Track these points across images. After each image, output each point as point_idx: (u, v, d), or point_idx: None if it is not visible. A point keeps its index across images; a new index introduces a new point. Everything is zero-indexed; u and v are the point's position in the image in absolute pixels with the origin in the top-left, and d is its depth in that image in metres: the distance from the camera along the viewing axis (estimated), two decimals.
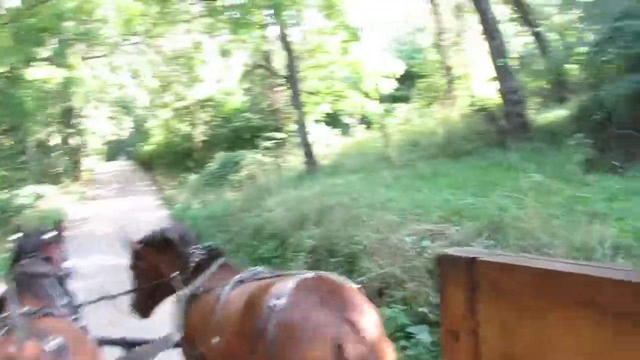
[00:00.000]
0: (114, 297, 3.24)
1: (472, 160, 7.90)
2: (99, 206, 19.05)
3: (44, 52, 19.69)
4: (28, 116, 14.25)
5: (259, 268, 2.77)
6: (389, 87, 22.38)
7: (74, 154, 26.45)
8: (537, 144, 7.29)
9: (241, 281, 2.54)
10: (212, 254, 2.99)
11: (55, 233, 3.15)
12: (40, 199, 14.90)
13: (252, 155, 17.92)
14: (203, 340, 2.45)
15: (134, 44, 28.85)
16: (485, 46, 9.80)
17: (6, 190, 13.83)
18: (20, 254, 2.89)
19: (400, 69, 22.32)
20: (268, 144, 19.26)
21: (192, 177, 19.16)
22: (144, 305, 3.32)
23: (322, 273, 2.33)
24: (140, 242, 3.32)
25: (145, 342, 3.00)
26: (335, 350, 1.84)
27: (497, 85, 9.36)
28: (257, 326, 2.02)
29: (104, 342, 2.91)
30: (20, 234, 3.10)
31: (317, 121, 24.71)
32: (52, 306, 2.46)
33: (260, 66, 19.56)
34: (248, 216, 9.72)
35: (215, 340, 2.30)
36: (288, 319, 1.96)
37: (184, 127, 30.20)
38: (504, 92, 8.93)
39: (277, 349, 1.92)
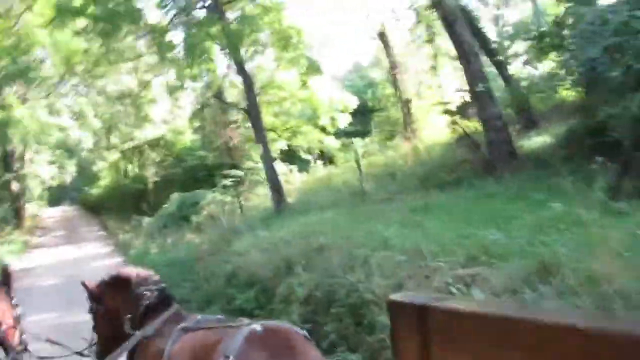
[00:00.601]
0: (81, 354, 3.11)
1: (461, 190, 7.44)
2: (43, 255, 17.40)
3: None
4: None
5: (203, 316, 2.65)
6: (344, 121, 22.15)
7: (15, 200, 24.48)
8: (529, 171, 6.93)
9: (185, 330, 2.39)
10: (162, 297, 2.84)
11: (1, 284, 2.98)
12: None
13: (211, 195, 16.95)
14: None
15: (75, 85, 27.62)
16: (454, 74, 9.57)
17: None
18: None
19: (353, 103, 22.20)
20: (227, 182, 18.38)
21: (147, 220, 17.91)
22: (106, 352, 3.00)
23: (270, 323, 2.21)
24: (98, 284, 3.14)
25: None
26: None
27: (475, 111, 9.08)
28: None
29: None
30: None
31: (274, 158, 24.12)
32: None
33: (217, 100, 18.72)
34: (216, 261, 8.83)
35: None
36: None
37: (134, 169, 28.86)
38: (485, 119, 8.60)
39: None
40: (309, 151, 24.19)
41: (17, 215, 23.88)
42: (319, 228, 7.60)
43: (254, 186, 19.61)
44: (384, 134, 20.42)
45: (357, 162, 10.47)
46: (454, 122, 9.91)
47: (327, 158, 24.58)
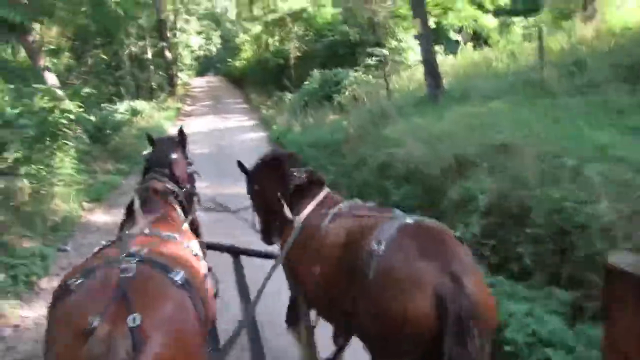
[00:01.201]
0: (233, 211, 3.35)
1: None
2: (194, 124, 18.27)
3: None
4: (121, 26, 13.16)
5: (355, 202, 2.60)
6: None
7: (168, 68, 25.77)
8: None
9: (340, 214, 2.41)
10: (311, 178, 2.85)
11: (180, 148, 3.11)
12: (137, 115, 14.12)
13: (354, 74, 16.03)
14: (301, 267, 2.41)
15: None
16: None
17: (104, 106, 13.08)
18: (148, 169, 2.96)
19: None
20: (370, 61, 17.23)
21: (288, 96, 17.70)
22: (267, 229, 3.19)
23: (424, 219, 2.14)
24: (253, 165, 3.24)
25: (253, 252, 3.23)
26: (437, 302, 1.75)
27: None
28: (357, 268, 1.96)
29: (213, 247, 3.04)
30: (149, 150, 3.11)
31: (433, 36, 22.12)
32: (172, 224, 2.40)
33: None
34: (365, 146, 8.17)
35: (315, 270, 2.24)
36: (388, 266, 1.88)
37: (274, 43, 28.58)
38: None
39: (376, 295, 1.86)
40: (459, 30, 21.80)
41: (170, 82, 25.23)
42: (491, 121, 6.46)
43: (398, 67, 18.28)
44: (556, 13, 17.36)
45: (540, 40, 8.69)
46: None
47: (478, 39, 22.02)
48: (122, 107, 14.49)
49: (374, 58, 17.51)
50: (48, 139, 6.27)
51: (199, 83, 35.68)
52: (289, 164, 2.96)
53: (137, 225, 2.20)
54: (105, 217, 8.11)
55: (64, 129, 6.88)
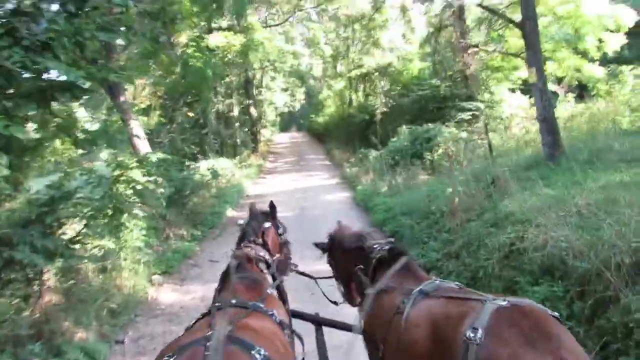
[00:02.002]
0: (314, 278, 3.44)
1: None
2: (275, 181, 17.55)
3: (224, 22, 18.62)
4: (208, 83, 12.85)
5: (439, 281, 2.36)
6: (616, 44, 17.22)
7: (253, 125, 25.74)
8: None
9: (424, 293, 2.20)
10: (394, 252, 2.72)
11: (271, 219, 3.32)
12: (217, 176, 13.49)
13: (447, 130, 14.62)
14: (382, 340, 2.29)
15: (307, 10, 27.09)
16: None
17: (188, 164, 12.63)
18: (243, 237, 3.11)
19: (630, 19, 16.93)
20: (464, 115, 15.79)
21: (374, 154, 16.53)
22: (348, 295, 3.18)
23: (518, 300, 1.86)
24: (329, 240, 3.32)
25: (334, 323, 3.13)
26: None
27: None
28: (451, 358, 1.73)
29: (297, 315, 3.01)
30: (246, 219, 3.31)
31: (512, 89, 20.39)
32: (260, 293, 2.49)
33: (457, 20, 15.88)
34: (477, 223, 6.64)
35: (405, 353, 2.07)
36: (489, 355, 1.61)
37: (359, 98, 27.94)
38: None
39: None
40: (558, 81, 19.85)
41: (253, 139, 25.07)
42: None
43: (494, 122, 16.65)
44: None
45: None
46: None
47: (580, 90, 19.91)
48: (203, 166, 13.95)
49: (467, 113, 16.08)
50: (110, 212, 5.41)
51: (282, 139, 35.71)
52: (366, 238, 2.94)
53: (227, 295, 2.34)
54: (174, 295, 7.11)
55: (129, 200, 6.04)
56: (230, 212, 12.46)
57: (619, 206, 4.82)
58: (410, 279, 2.46)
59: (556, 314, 1.82)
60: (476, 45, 19.21)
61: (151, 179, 6.74)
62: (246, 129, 25.16)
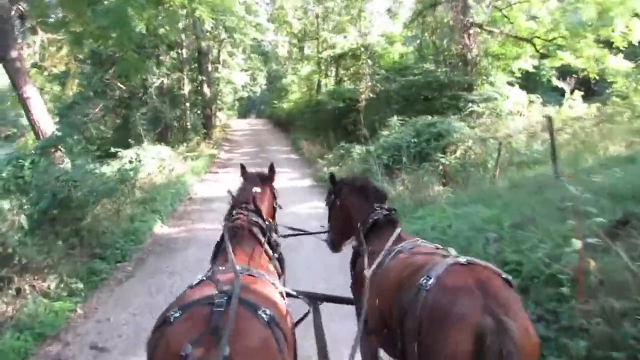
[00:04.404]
0: (310, 233, 3.52)
1: None
2: (231, 179, 13.37)
3: None
4: (129, 32, 8.41)
5: (422, 242, 2.61)
6: None
7: (206, 107, 21.27)
8: None
9: (401, 251, 2.44)
10: (390, 218, 2.86)
11: (263, 186, 3.08)
12: (130, 175, 9.18)
13: (458, 125, 10.88)
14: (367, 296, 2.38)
15: None
16: None
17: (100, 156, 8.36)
18: (233, 205, 2.85)
19: None
20: (475, 107, 12.18)
21: (358, 150, 12.64)
22: (336, 241, 3.30)
23: (477, 260, 2.04)
24: (342, 181, 3.30)
25: (330, 297, 3.16)
26: (476, 341, 1.68)
27: None
28: (407, 302, 1.96)
29: (291, 295, 2.77)
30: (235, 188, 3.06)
31: (510, 83, 16.95)
32: (256, 260, 2.45)
33: None
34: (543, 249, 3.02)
35: (375, 302, 2.29)
36: (433, 301, 1.85)
37: (331, 83, 23.98)
38: None
39: (423, 327, 1.85)
40: (563, 76, 16.56)
41: (206, 124, 20.62)
42: None
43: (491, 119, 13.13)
44: None
45: None
46: None
47: (587, 87, 16.74)
48: (129, 158, 9.66)
49: (475, 104, 12.50)
50: None
51: (240, 125, 31.25)
52: (374, 198, 2.98)
53: (229, 262, 2.22)
54: None
55: None
56: (159, 229, 8.26)
57: None
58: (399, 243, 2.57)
59: (509, 277, 1.93)
60: (480, 25, 15.61)
61: None
62: (198, 111, 20.70)
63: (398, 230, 2.73)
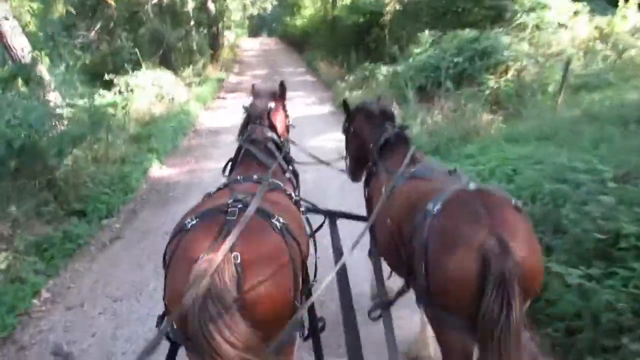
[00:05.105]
0: (328, 163, 3.28)
1: None
2: (240, 107, 11.96)
3: None
4: None
5: (434, 163, 2.70)
6: None
7: (211, 25, 19.31)
8: None
9: (413, 175, 2.40)
10: (401, 136, 2.83)
11: (276, 102, 3.00)
12: (125, 102, 7.82)
13: (505, 39, 9.10)
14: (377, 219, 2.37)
15: None
16: None
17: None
18: (247, 121, 2.86)
19: None
20: (527, 17, 10.28)
21: (384, 71, 10.99)
22: (354, 169, 3.27)
23: (488, 186, 2.15)
24: (356, 107, 3.22)
25: (346, 214, 3.29)
26: (481, 262, 1.70)
27: None
28: (415, 225, 1.98)
29: (311, 210, 2.99)
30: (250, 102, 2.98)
31: None
32: (276, 173, 2.40)
33: None
34: None
35: (386, 223, 2.27)
36: (439, 225, 1.87)
37: None
38: None
39: (429, 250, 1.87)
40: None
41: (212, 44, 18.79)
42: None
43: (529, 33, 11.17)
44: None
45: None
46: None
47: None
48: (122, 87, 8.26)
49: (528, 14, 10.55)
50: None
51: (251, 45, 29.12)
52: (385, 118, 2.94)
53: (246, 173, 2.25)
54: None
55: None
56: (156, 170, 7.01)
57: None
58: (415, 163, 2.53)
59: (518, 202, 1.92)
60: None
61: None
62: (204, 30, 18.79)
63: (412, 148, 2.67)
